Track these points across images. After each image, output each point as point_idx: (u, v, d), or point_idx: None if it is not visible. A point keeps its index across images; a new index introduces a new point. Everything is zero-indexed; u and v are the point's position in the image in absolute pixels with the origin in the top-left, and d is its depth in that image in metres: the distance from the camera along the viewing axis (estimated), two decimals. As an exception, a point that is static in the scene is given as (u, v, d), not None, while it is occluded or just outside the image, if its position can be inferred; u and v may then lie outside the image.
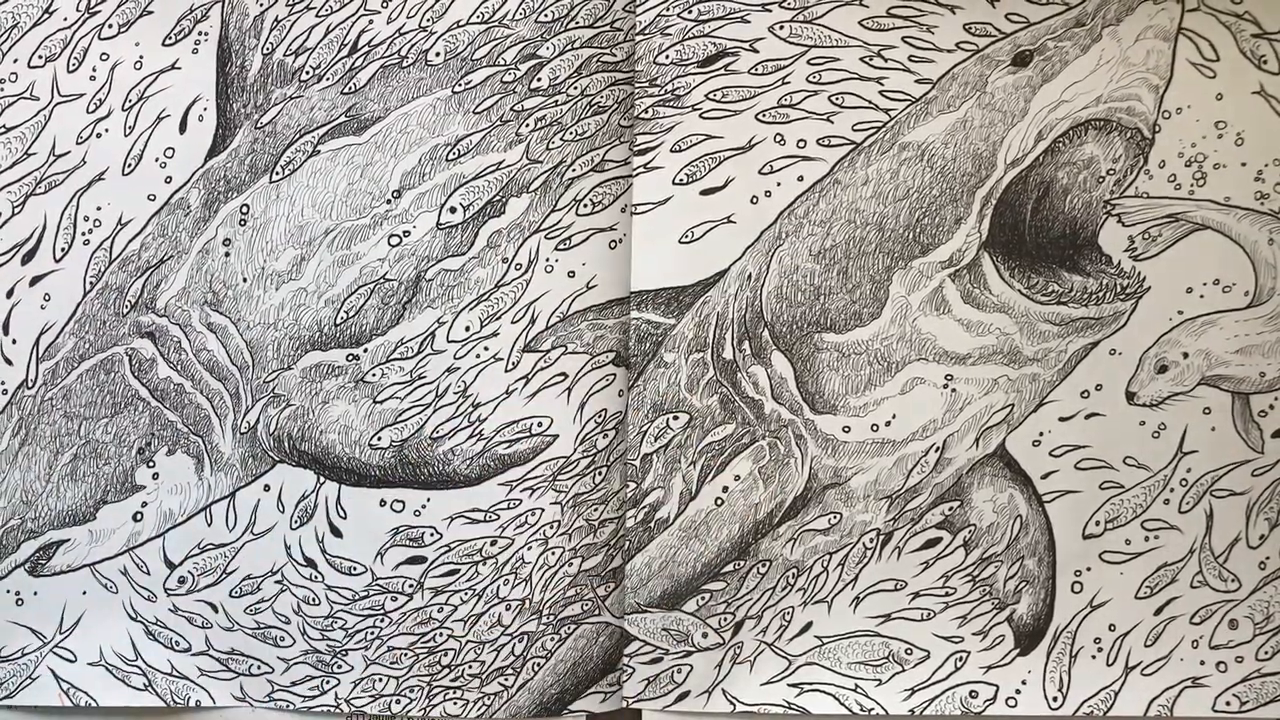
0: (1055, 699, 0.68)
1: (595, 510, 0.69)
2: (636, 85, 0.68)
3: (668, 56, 0.68)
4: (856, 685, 0.68)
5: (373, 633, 0.69)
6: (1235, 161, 0.67)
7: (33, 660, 0.69)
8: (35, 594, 0.69)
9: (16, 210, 0.69)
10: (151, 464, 0.69)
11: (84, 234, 0.69)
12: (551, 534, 0.69)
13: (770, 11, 0.67)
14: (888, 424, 0.68)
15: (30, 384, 0.69)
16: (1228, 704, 0.68)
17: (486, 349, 0.69)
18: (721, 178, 0.68)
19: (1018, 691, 0.68)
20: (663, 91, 0.68)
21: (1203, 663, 0.68)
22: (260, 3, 0.69)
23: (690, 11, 0.67)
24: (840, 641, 0.69)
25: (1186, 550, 0.68)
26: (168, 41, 0.69)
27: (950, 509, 0.68)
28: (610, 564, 0.69)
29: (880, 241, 0.68)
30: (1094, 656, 0.68)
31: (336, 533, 0.69)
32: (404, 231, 0.69)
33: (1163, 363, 0.67)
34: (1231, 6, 0.66)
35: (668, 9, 0.67)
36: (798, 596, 0.68)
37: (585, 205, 0.69)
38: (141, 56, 0.69)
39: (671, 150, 0.68)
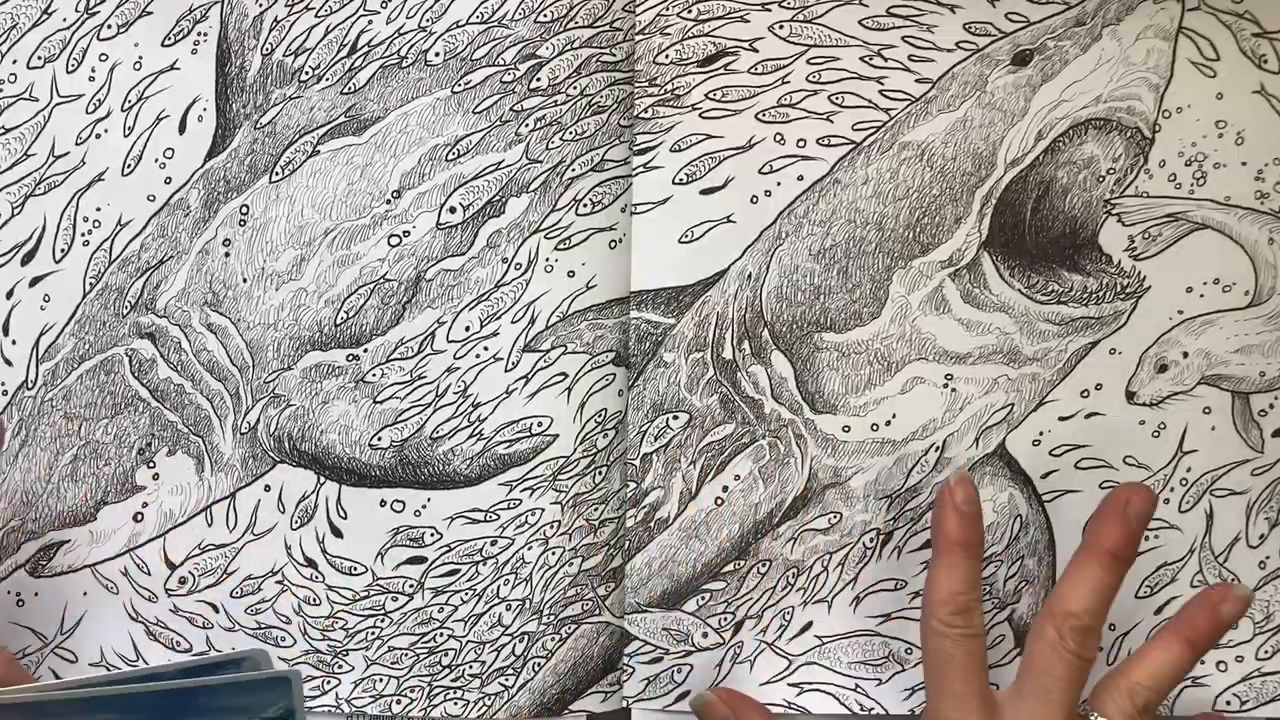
0: (1055, 698, 0.68)
1: (595, 510, 0.69)
2: (636, 85, 0.68)
3: (667, 56, 0.68)
4: (857, 685, 0.68)
5: (373, 633, 0.69)
6: (1235, 161, 0.67)
7: (34, 661, 0.69)
8: (36, 595, 0.69)
9: (16, 211, 0.68)
10: (152, 464, 0.69)
11: (83, 235, 0.69)
12: (552, 534, 0.69)
13: (770, 11, 0.67)
14: (888, 423, 0.68)
15: (30, 385, 0.69)
16: (1228, 703, 0.68)
17: (486, 349, 0.69)
18: (721, 177, 0.68)
19: (1018, 691, 0.68)
20: (662, 91, 0.68)
21: (1203, 662, 0.68)
22: (259, 3, 0.68)
23: (690, 11, 0.67)
24: (840, 641, 0.69)
25: (1186, 550, 0.68)
26: (167, 42, 0.69)
27: (950, 509, 0.68)
28: (610, 564, 0.69)
29: (880, 241, 0.68)
30: (1094, 656, 0.68)
31: (337, 533, 0.69)
32: (404, 231, 0.69)
33: (1162, 362, 0.67)
34: (1232, 6, 0.66)
35: (667, 9, 0.67)
36: (798, 596, 0.68)
37: (585, 205, 0.69)
38: (141, 57, 0.69)
39: (671, 150, 0.68)
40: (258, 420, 0.69)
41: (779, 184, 0.68)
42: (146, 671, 0.56)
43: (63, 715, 0.52)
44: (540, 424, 0.69)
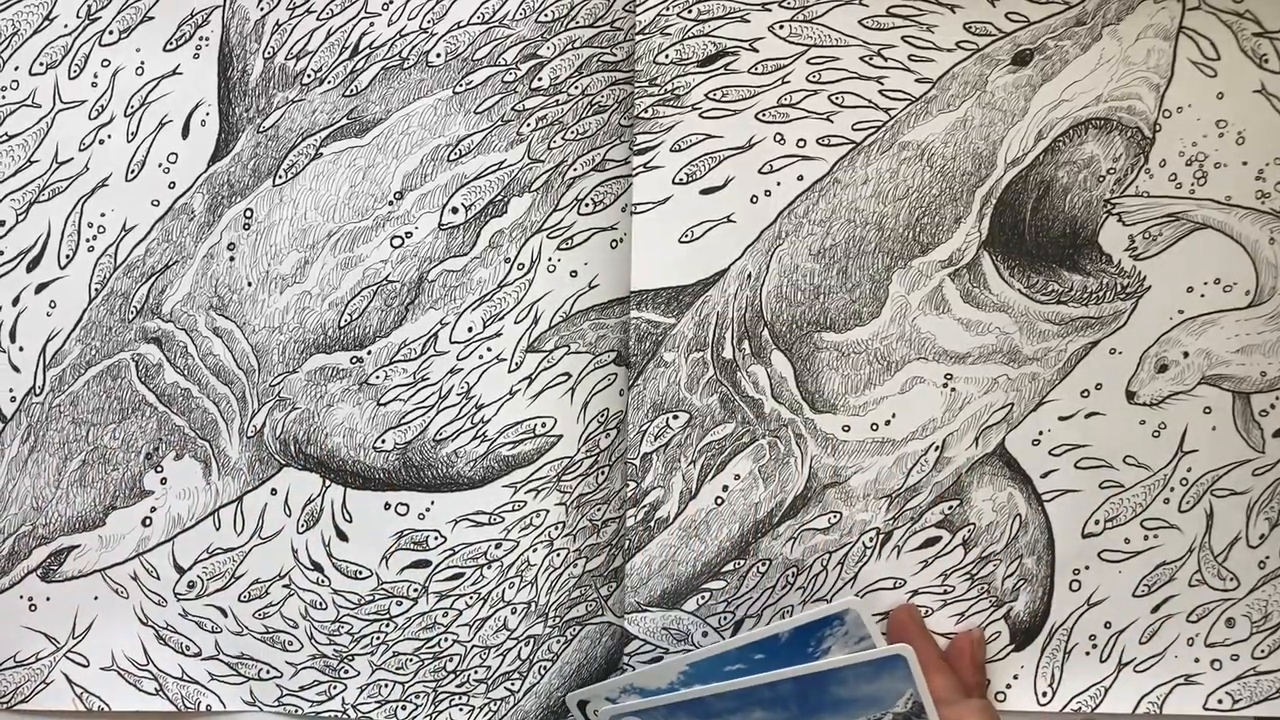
0: (1045, 694, 0.66)
1: (599, 510, 0.67)
2: (636, 85, 0.65)
3: (667, 56, 0.65)
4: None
5: (378, 637, 0.67)
6: (1236, 160, 0.64)
7: (46, 665, 0.68)
8: (48, 599, 0.68)
9: (20, 218, 0.66)
10: (160, 469, 0.67)
11: (88, 240, 0.66)
12: (556, 535, 0.67)
13: (770, 11, 0.64)
14: (887, 423, 0.65)
15: (38, 391, 0.67)
16: (1220, 702, 0.66)
17: (489, 350, 0.66)
18: (721, 177, 0.65)
19: (1008, 686, 0.66)
20: (662, 91, 0.65)
21: (1197, 660, 0.66)
22: (261, 7, 0.66)
23: (690, 11, 0.64)
24: (840, 640, 0.66)
25: (1186, 549, 0.65)
26: (169, 47, 0.66)
27: (950, 508, 0.66)
28: (613, 564, 0.67)
29: (880, 241, 0.65)
30: (1088, 653, 0.66)
31: (342, 536, 0.67)
32: (406, 233, 0.66)
33: (1163, 362, 0.64)
34: (1233, 5, 0.63)
35: (667, 9, 0.64)
36: (797, 595, 0.66)
37: (586, 205, 0.66)
38: (143, 62, 0.66)
39: (671, 150, 0.65)
40: (264, 424, 0.67)
41: (779, 184, 0.65)
42: (766, 635, 0.62)
43: (724, 713, 0.61)
44: (544, 425, 0.67)
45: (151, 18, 0.66)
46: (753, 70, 0.65)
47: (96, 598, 0.68)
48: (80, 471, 0.67)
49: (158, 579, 0.67)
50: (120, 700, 0.68)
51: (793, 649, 0.62)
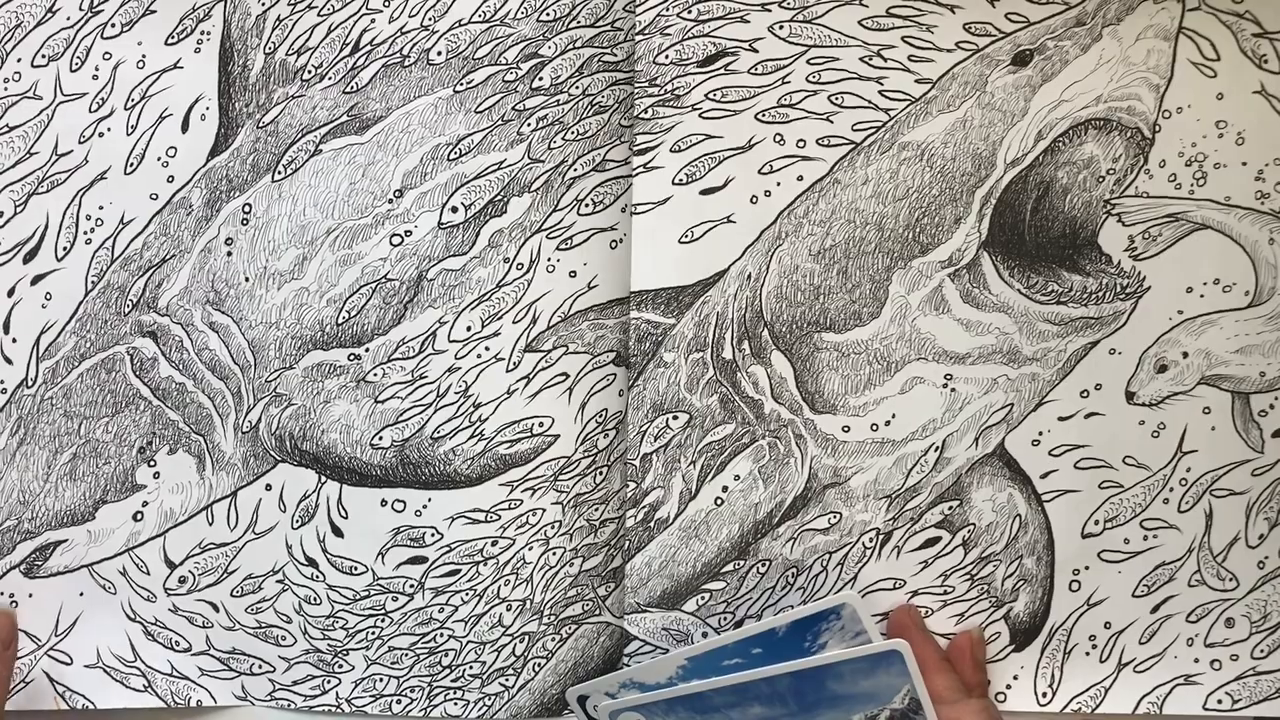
0: (1045, 695, 0.65)
1: (596, 510, 0.65)
2: (636, 85, 0.64)
3: (667, 56, 0.64)
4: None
5: (373, 633, 0.65)
6: (1236, 161, 0.63)
7: (27, 664, 0.65)
8: (30, 596, 0.65)
9: (19, 209, 0.64)
10: (153, 463, 0.65)
11: (85, 233, 0.64)
12: (553, 534, 0.65)
13: (770, 11, 0.63)
14: (887, 423, 0.64)
15: (30, 383, 0.65)
16: (1219, 702, 0.64)
17: (488, 349, 0.65)
18: (721, 177, 0.64)
19: (1008, 687, 0.65)
20: (662, 91, 0.64)
21: (1196, 660, 0.64)
22: (262, 2, 0.64)
23: (690, 11, 0.63)
24: (840, 640, 0.65)
25: (1185, 549, 0.64)
26: (170, 41, 0.65)
27: (950, 508, 0.64)
28: (611, 564, 0.65)
29: (880, 241, 0.64)
30: (1088, 654, 0.64)
31: (338, 532, 0.65)
32: (405, 231, 0.65)
33: (1162, 362, 0.63)
34: (1232, 6, 0.62)
35: (667, 9, 0.63)
36: (797, 596, 0.64)
37: (586, 205, 0.65)
38: (144, 56, 0.65)
39: (671, 150, 0.64)
40: (259, 419, 0.65)
41: (779, 184, 0.64)
42: (763, 629, 0.61)
43: (722, 708, 0.60)
44: (541, 424, 0.65)
45: (154, 11, 0.65)
46: (753, 70, 0.64)
47: (82, 594, 0.65)
48: (70, 465, 0.65)
49: (147, 574, 0.65)
50: (106, 698, 0.65)
51: (789, 644, 0.60)
